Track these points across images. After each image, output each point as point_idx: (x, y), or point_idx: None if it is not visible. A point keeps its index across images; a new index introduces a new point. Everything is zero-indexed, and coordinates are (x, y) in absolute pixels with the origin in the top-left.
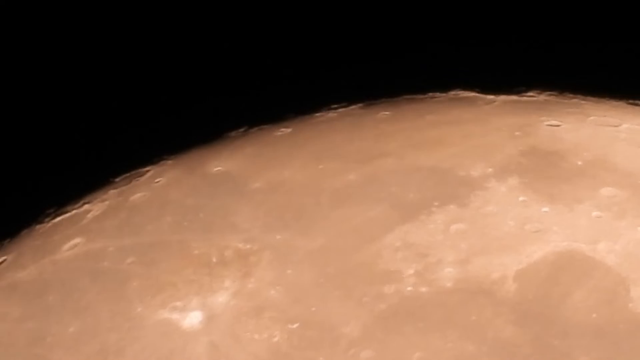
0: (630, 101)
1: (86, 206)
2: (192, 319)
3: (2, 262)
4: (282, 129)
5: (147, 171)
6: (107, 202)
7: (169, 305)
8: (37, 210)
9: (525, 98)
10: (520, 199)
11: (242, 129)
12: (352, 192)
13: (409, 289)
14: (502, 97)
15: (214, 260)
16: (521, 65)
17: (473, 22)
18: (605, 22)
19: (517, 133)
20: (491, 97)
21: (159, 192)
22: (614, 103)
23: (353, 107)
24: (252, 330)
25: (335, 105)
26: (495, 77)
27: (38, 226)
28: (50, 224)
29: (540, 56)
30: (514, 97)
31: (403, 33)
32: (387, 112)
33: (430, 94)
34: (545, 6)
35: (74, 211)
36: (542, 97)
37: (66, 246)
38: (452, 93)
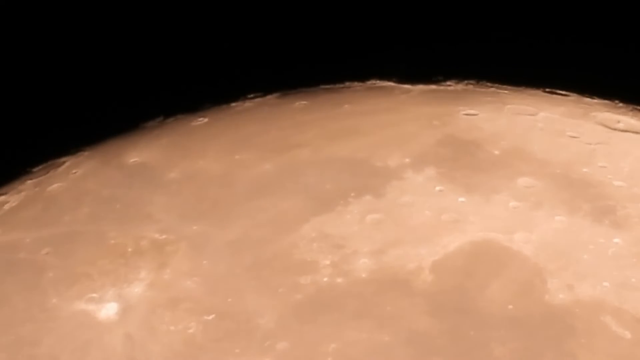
0: (547, 90)
1: (2, 197)
2: (108, 310)
3: None
4: (199, 119)
5: (64, 162)
6: (23, 193)
7: (85, 297)
8: None
9: (442, 87)
10: (437, 189)
11: (158, 119)
12: (268, 183)
13: (325, 279)
14: (420, 87)
15: (130, 250)
16: (439, 54)
17: (389, 12)
18: (521, 12)
19: (434, 122)
20: (408, 86)
21: (75, 183)
22: (531, 92)
23: (270, 96)
24: (167, 322)
25: (252, 95)
26: (413, 66)
27: None
28: None
29: (458, 46)
30: (431, 87)
31: (321, 23)
32: (304, 102)
33: (348, 83)
34: None
35: None
36: (460, 86)
37: None
38: (370, 83)
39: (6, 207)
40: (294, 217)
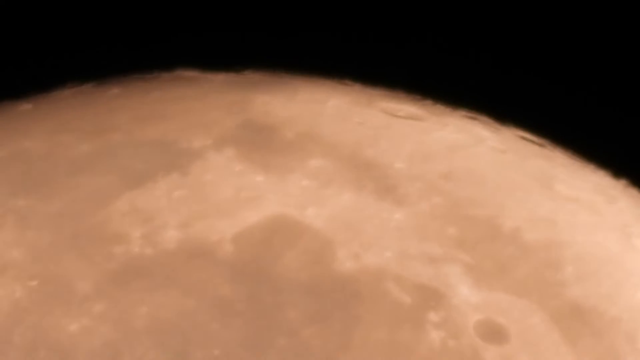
0: (340, 80)
1: None
2: None
3: None
4: (24, 105)
5: None
6: None
7: None
8: None
9: (242, 77)
10: (237, 168)
11: None
12: (85, 162)
13: (136, 250)
14: (222, 76)
15: None
16: (238, 46)
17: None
18: (312, 6)
19: (234, 109)
20: (211, 76)
21: None
22: (322, 82)
23: (86, 85)
24: None
25: (70, 84)
26: (215, 57)
27: None
28: None
29: (255, 37)
30: (232, 76)
31: (130, 17)
32: (117, 90)
33: (157, 73)
34: None
35: None
36: (257, 76)
37: None
38: (176, 72)
39: None
40: (108, 193)
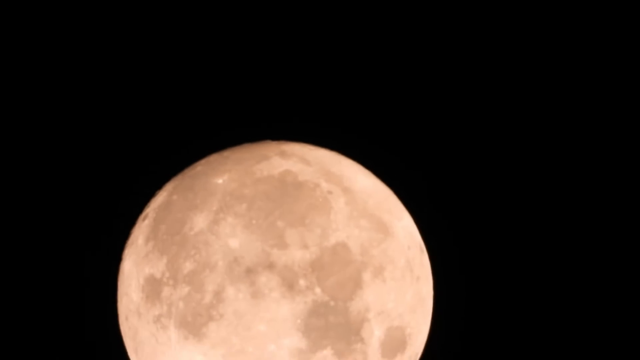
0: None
1: None
2: None
3: None
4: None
5: None
6: None
7: None
8: None
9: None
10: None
11: None
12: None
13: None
14: (273, 143)
15: None
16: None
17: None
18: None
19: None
20: (265, 143)
21: None
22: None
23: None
24: None
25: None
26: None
27: None
28: None
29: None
30: (273, 142)
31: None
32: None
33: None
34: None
35: None
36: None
37: None
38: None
39: None
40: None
